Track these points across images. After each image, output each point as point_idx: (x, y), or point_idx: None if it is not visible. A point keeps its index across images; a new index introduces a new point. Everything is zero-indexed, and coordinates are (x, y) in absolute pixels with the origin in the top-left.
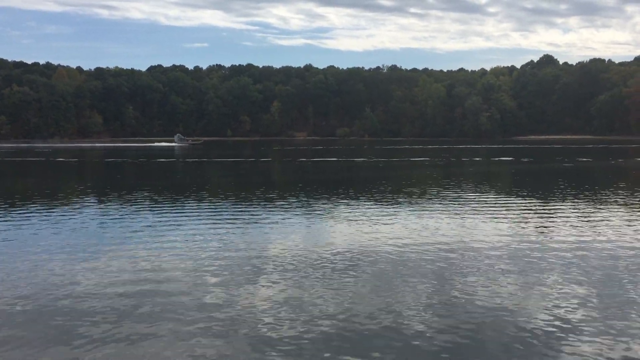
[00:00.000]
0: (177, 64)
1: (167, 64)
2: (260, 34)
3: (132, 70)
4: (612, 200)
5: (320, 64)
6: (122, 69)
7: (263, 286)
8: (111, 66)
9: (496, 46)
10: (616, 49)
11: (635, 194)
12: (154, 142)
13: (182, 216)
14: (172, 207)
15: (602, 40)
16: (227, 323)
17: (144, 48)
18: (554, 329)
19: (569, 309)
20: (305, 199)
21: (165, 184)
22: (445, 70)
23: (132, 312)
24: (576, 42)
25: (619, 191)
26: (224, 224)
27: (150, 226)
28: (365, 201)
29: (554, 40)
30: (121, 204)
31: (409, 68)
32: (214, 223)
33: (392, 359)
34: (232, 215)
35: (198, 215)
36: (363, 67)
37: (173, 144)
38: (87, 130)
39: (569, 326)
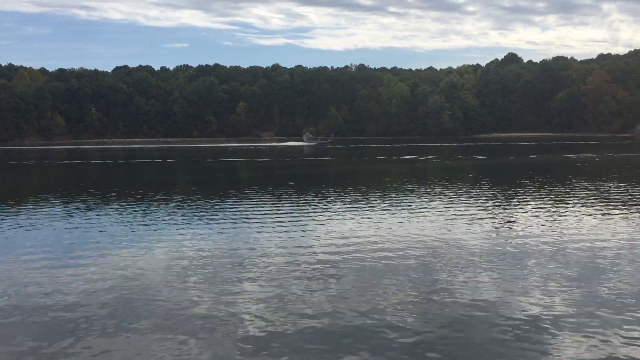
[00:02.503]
0: (159, 64)
1: (148, 63)
2: (240, 33)
3: (96, 71)
4: (576, 194)
5: (303, 63)
6: (85, 70)
7: (245, 287)
8: (92, 67)
9: (475, 45)
10: (594, 46)
11: (597, 188)
12: (286, 142)
13: (161, 217)
14: (152, 207)
15: (580, 38)
16: (209, 325)
17: (124, 49)
18: (535, 324)
19: (549, 303)
20: (284, 199)
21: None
22: (423, 68)
23: (113, 315)
24: (554, 40)
25: (580, 185)
26: (204, 226)
27: (141, 226)
28: (344, 200)
29: (533, 39)
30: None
31: (390, 67)
32: (193, 224)
33: (375, 357)
34: (212, 216)
35: (178, 216)
36: (329, 67)
37: (302, 143)
38: (48, 132)
39: (550, 320)
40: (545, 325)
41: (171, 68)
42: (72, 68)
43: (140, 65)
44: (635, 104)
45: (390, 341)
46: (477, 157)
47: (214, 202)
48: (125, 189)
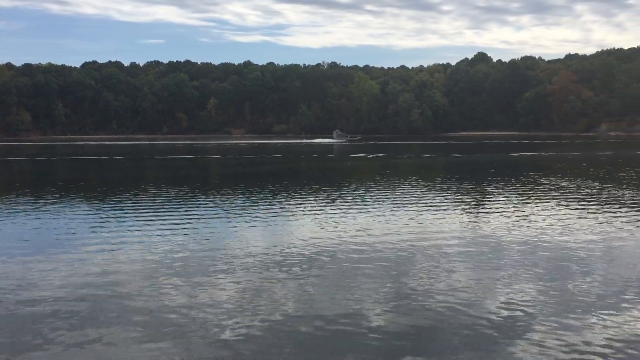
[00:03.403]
0: (135, 60)
1: (124, 59)
2: (216, 30)
3: (64, 66)
4: (545, 191)
5: (280, 60)
6: (53, 65)
7: (220, 286)
8: (66, 63)
9: (451, 44)
10: (566, 46)
11: (562, 185)
12: (315, 139)
13: (133, 215)
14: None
15: (554, 38)
16: (183, 324)
17: (99, 44)
18: (509, 319)
19: (522, 300)
20: (260, 197)
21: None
22: (396, 67)
23: (86, 314)
24: (528, 40)
25: (545, 183)
26: (179, 224)
27: (109, 225)
28: (320, 198)
29: (507, 38)
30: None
31: (368, 65)
32: (166, 222)
33: (352, 355)
34: (188, 214)
35: (152, 214)
36: (300, 64)
37: (332, 140)
38: (13, 128)
39: (523, 316)
40: (518, 321)
41: (145, 64)
42: (40, 63)
43: (109, 61)
44: (600, 104)
45: (365, 339)
46: (425, 155)
47: (188, 200)
48: (107, 186)
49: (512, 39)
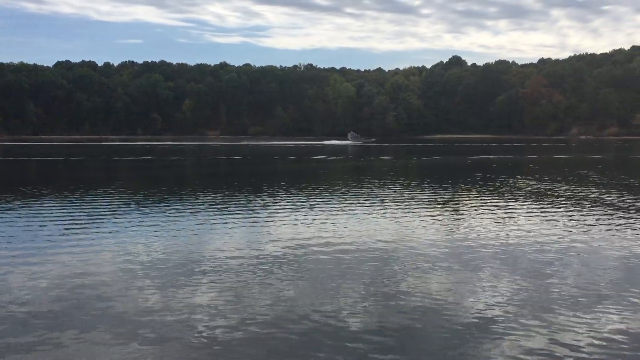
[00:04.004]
0: (113, 60)
1: (99, 59)
2: (196, 31)
3: (35, 65)
4: (518, 194)
5: (259, 62)
6: (24, 64)
7: (198, 288)
8: (40, 62)
9: (430, 47)
10: (543, 51)
11: (535, 188)
12: (329, 140)
13: (110, 216)
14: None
15: (530, 42)
16: (161, 327)
17: (75, 44)
18: (487, 320)
19: (500, 300)
20: (239, 198)
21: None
22: (372, 69)
23: (60, 316)
24: (506, 44)
25: (518, 185)
26: (155, 225)
27: (85, 228)
28: (295, 200)
29: (485, 42)
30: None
31: (347, 67)
32: (143, 223)
33: (330, 357)
34: (167, 215)
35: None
36: (277, 66)
37: (347, 142)
38: None
39: (501, 316)
40: (496, 322)
41: (120, 64)
42: (12, 62)
43: (82, 61)
44: (570, 108)
45: (344, 341)
46: (384, 157)
47: (167, 201)
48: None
49: (490, 43)
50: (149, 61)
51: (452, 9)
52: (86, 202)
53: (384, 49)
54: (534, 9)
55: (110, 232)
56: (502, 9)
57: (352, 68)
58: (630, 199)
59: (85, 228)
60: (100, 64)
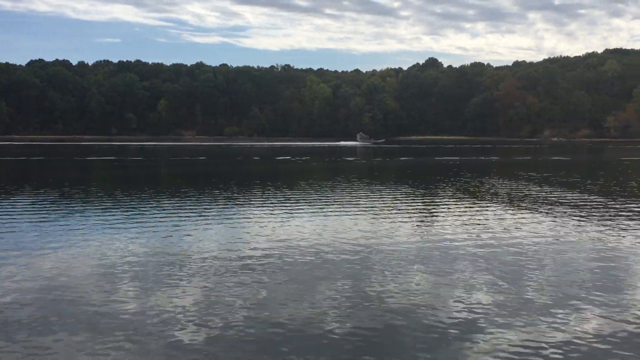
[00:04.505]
0: (91, 59)
1: (77, 58)
2: (174, 30)
3: (8, 64)
4: (492, 194)
5: (239, 62)
6: None
7: (177, 290)
8: (15, 61)
9: (409, 49)
10: (519, 53)
11: (508, 188)
12: (339, 142)
13: (86, 217)
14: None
15: (508, 45)
16: (139, 328)
17: (51, 42)
18: (464, 321)
19: (477, 302)
20: (215, 199)
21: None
22: (349, 71)
23: (36, 319)
24: (484, 46)
25: (492, 186)
26: (132, 226)
27: (63, 228)
28: (273, 200)
29: (463, 44)
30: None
31: (326, 68)
32: (121, 224)
33: (308, 356)
34: (141, 215)
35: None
36: (254, 66)
37: (356, 143)
38: None
39: (477, 317)
40: (473, 323)
41: (94, 63)
42: None
43: (56, 60)
44: (543, 110)
45: (321, 342)
46: (348, 158)
47: (143, 201)
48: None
49: (468, 46)
50: (124, 60)
51: (431, 11)
52: (55, 203)
53: (364, 50)
54: (511, 12)
55: (83, 234)
56: (479, 11)
57: (331, 69)
58: (593, 199)
59: (57, 230)
60: (75, 63)
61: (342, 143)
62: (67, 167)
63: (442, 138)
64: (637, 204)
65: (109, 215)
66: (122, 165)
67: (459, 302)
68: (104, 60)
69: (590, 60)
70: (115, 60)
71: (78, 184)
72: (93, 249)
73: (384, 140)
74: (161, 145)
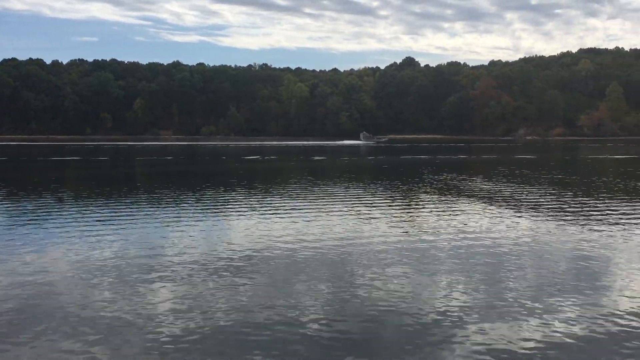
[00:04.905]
0: (68, 58)
1: (54, 57)
2: (153, 29)
3: None
4: (469, 193)
5: (217, 61)
6: None
7: (155, 289)
8: None
9: (388, 48)
10: (497, 53)
11: (485, 187)
12: (342, 140)
13: (64, 217)
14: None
15: (485, 44)
16: (118, 328)
17: (28, 41)
18: (443, 318)
19: (457, 301)
20: (195, 197)
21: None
22: (327, 70)
23: (13, 318)
24: (462, 46)
25: (468, 185)
26: (110, 226)
27: (41, 225)
28: (252, 199)
29: (442, 44)
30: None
31: (305, 67)
32: (98, 224)
33: (287, 357)
34: (122, 214)
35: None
36: (231, 65)
37: (360, 142)
38: None
39: (456, 314)
40: (452, 319)
41: (69, 62)
42: None
43: (30, 59)
44: (518, 109)
45: (303, 339)
46: (316, 158)
47: (121, 201)
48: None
49: (446, 45)
50: (99, 59)
51: (410, 10)
52: (23, 205)
53: (343, 50)
54: (489, 12)
55: (59, 235)
56: (458, 11)
57: (311, 68)
58: (565, 198)
59: (30, 231)
60: (49, 61)
61: (346, 142)
62: (27, 168)
63: (418, 137)
64: (608, 202)
65: (82, 216)
66: (79, 166)
67: (441, 302)
68: (79, 59)
69: (564, 59)
70: (89, 59)
71: (46, 185)
72: (68, 252)
73: (387, 139)
74: (125, 145)
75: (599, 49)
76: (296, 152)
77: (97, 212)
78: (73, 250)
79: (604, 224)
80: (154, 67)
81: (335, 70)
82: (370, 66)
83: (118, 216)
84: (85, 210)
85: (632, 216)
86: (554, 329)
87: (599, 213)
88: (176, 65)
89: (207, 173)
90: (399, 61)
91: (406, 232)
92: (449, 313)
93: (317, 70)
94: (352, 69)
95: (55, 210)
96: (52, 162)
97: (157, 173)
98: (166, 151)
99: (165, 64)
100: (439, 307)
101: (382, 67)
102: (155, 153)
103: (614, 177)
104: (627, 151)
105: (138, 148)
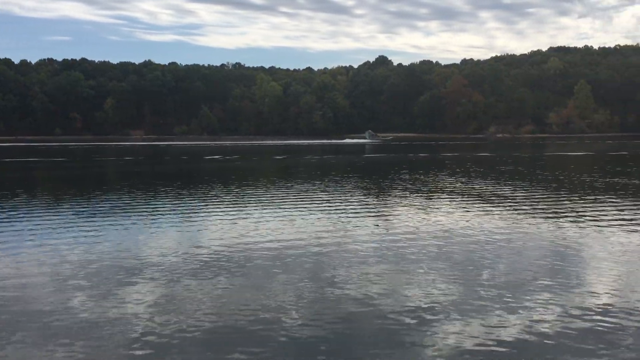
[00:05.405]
0: (40, 57)
1: (25, 57)
2: (127, 28)
3: None
4: (443, 190)
5: (192, 60)
6: None
7: (132, 290)
8: None
9: (364, 47)
10: (472, 52)
11: (459, 183)
12: (344, 139)
13: (36, 218)
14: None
15: (460, 43)
16: (94, 330)
17: None
18: (419, 314)
19: (431, 294)
20: (173, 198)
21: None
22: (302, 69)
23: None
24: (437, 45)
25: (441, 182)
26: (85, 226)
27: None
28: (230, 198)
29: (417, 43)
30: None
31: (281, 67)
32: (73, 225)
33: (266, 356)
34: (98, 215)
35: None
36: (204, 64)
37: (365, 141)
38: None
39: (432, 310)
40: (428, 315)
41: (38, 62)
42: None
43: None
44: (489, 107)
45: (280, 338)
46: (277, 157)
47: (95, 201)
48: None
49: (422, 44)
50: (69, 59)
51: (385, 9)
52: (18, 203)
53: (320, 49)
54: (463, 11)
55: (30, 236)
56: (432, 10)
57: (289, 68)
58: (533, 194)
59: (7, 229)
60: (17, 61)
61: (348, 141)
62: None
63: (392, 135)
64: (577, 197)
65: (54, 217)
66: (39, 167)
67: (420, 299)
68: (48, 59)
69: (534, 58)
70: (63, 59)
71: (13, 185)
72: (41, 254)
73: (392, 137)
74: (82, 145)
75: (569, 48)
76: (308, 151)
77: (62, 214)
78: (44, 253)
79: (570, 219)
80: (125, 67)
81: (309, 69)
82: (344, 65)
83: (84, 218)
84: (51, 211)
85: (600, 212)
86: (530, 325)
87: (564, 208)
88: (148, 64)
89: (178, 174)
90: (367, 60)
91: (381, 229)
92: (425, 311)
93: (291, 69)
94: (325, 68)
95: (23, 212)
96: (15, 163)
97: (117, 173)
98: (129, 152)
99: (137, 63)
100: (416, 306)
101: (353, 65)
102: (116, 154)
103: (568, 173)
104: (590, 148)
105: (93, 149)
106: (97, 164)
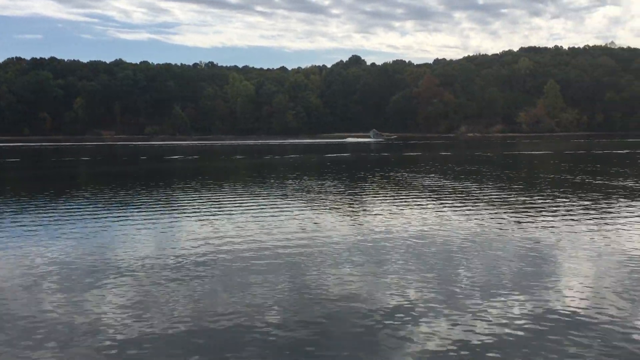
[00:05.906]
0: (10, 56)
1: None
2: (100, 26)
3: None
4: (415, 188)
5: (166, 59)
6: None
7: (104, 293)
8: None
9: (340, 47)
10: (447, 52)
11: (430, 182)
12: (346, 138)
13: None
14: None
15: (435, 43)
16: (66, 335)
17: None
18: (396, 313)
19: (408, 293)
20: (149, 197)
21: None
22: (275, 68)
23: None
24: (413, 44)
25: (413, 180)
26: (55, 228)
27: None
28: (205, 199)
29: (393, 43)
30: None
31: (256, 66)
32: (42, 226)
33: (246, 356)
34: (73, 215)
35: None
36: (175, 64)
37: (369, 140)
38: None
39: (409, 309)
40: (405, 314)
41: (5, 61)
42: None
43: None
44: (460, 107)
45: (257, 339)
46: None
47: (68, 201)
48: None
49: (397, 44)
50: (38, 58)
51: (361, 9)
52: None
53: (296, 48)
54: (438, 11)
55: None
56: (408, 10)
57: (264, 67)
58: (505, 193)
59: None
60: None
61: (350, 140)
62: None
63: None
64: (547, 195)
65: (24, 217)
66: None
67: (397, 298)
68: (16, 58)
69: (505, 58)
70: (32, 58)
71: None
72: (11, 255)
73: (396, 136)
74: (44, 145)
75: (539, 48)
76: (313, 150)
77: (29, 215)
78: (12, 254)
79: (541, 217)
80: (95, 66)
81: (282, 68)
82: (317, 64)
83: (53, 218)
84: (18, 212)
85: (573, 210)
86: (504, 325)
87: (535, 206)
88: (119, 63)
89: (149, 173)
90: (341, 59)
91: (357, 229)
92: (401, 312)
93: (265, 68)
94: (299, 67)
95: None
96: None
97: (78, 174)
98: (90, 152)
99: (108, 62)
100: (392, 306)
101: (326, 65)
102: (75, 154)
103: (536, 172)
104: (555, 146)
105: (52, 149)
106: (50, 166)
